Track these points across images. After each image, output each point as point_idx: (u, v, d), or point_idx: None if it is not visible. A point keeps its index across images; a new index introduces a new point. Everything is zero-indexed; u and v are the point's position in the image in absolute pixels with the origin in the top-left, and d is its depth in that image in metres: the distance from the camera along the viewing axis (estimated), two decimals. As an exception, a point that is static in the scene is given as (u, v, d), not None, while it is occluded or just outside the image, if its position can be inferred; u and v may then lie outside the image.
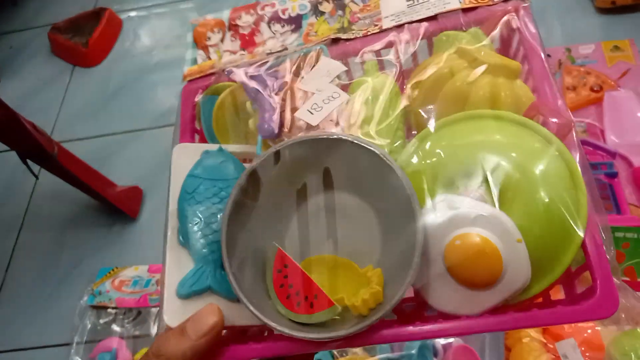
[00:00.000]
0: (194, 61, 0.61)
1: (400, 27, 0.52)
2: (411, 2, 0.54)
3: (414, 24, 0.52)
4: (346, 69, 0.50)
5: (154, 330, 0.92)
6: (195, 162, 0.48)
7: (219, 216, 0.45)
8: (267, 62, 0.53)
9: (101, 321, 0.95)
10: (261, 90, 0.49)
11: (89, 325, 0.95)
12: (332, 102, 0.47)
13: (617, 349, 0.72)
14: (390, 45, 0.52)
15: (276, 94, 0.50)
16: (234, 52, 0.60)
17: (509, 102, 0.44)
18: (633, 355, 0.70)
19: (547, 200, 0.38)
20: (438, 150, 0.43)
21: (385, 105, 0.48)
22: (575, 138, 0.42)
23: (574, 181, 0.39)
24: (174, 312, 0.42)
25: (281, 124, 0.48)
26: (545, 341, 0.76)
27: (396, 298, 0.37)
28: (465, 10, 0.51)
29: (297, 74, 0.54)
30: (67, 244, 1.12)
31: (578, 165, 0.39)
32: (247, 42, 0.61)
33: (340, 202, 0.47)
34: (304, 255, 0.45)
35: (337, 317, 0.40)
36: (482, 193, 0.39)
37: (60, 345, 0.97)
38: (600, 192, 0.88)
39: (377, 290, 0.38)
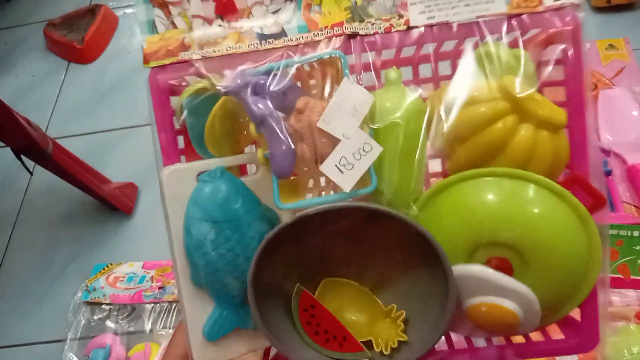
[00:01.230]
0: (151, 26, 0.47)
1: (432, 26, 0.43)
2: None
3: (450, 26, 0.43)
4: (373, 99, 0.41)
5: (148, 326, 0.92)
6: (192, 193, 0.42)
7: (237, 262, 0.42)
8: (264, 62, 0.43)
9: (95, 317, 0.94)
10: (269, 115, 0.40)
11: (83, 322, 0.94)
12: (365, 158, 0.40)
13: (611, 346, 0.72)
14: (419, 45, 0.45)
15: (286, 118, 0.41)
16: (207, 21, 0.46)
17: (546, 158, 0.42)
18: (626, 352, 0.70)
19: (565, 276, 0.41)
20: (463, 213, 0.41)
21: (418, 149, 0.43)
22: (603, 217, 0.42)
23: (593, 264, 0.41)
24: (205, 355, 0.44)
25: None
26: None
27: (425, 350, 0.41)
28: (510, 17, 0.43)
29: (307, 85, 0.46)
30: (61, 240, 1.11)
31: (601, 248, 0.41)
32: (226, 7, 0.46)
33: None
34: (323, 275, 0.45)
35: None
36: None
37: (54, 341, 0.96)
38: (594, 190, 0.88)
39: (405, 339, 0.42)
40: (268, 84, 0.41)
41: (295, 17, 0.45)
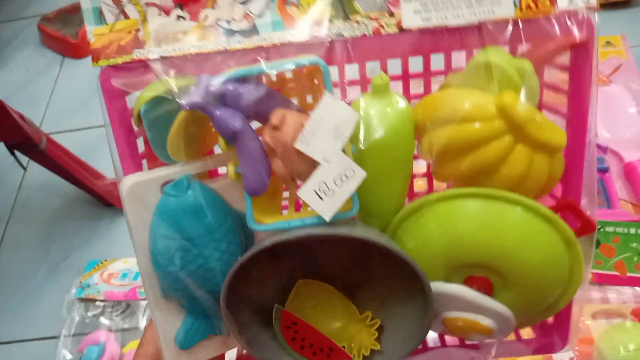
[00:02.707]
0: (98, 15, 0.39)
1: (427, 31, 0.38)
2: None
3: (447, 30, 0.38)
4: (358, 117, 0.37)
5: (142, 323, 0.91)
6: (157, 207, 0.39)
7: (208, 277, 0.40)
8: (234, 66, 0.38)
9: (89, 314, 0.94)
10: (240, 131, 0.36)
11: (77, 318, 0.94)
12: (347, 185, 0.35)
13: (607, 343, 0.72)
14: (413, 53, 0.40)
15: (261, 128, 0.38)
16: (164, 10, 0.39)
17: (540, 180, 0.39)
18: (622, 349, 0.70)
19: (545, 297, 0.41)
20: (444, 232, 0.39)
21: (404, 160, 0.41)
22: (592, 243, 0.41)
23: (572, 285, 0.41)
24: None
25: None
26: (534, 335, 0.76)
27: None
28: (517, 22, 0.38)
29: (285, 89, 0.43)
30: (55, 236, 1.10)
31: (583, 271, 0.40)
32: None
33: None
34: (299, 277, 0.43)
35: None
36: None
37: (48, 338, 0.96)
38: (591, 187, 0.88)
39: (377, 347, 0.42)
40: (239, 92, 0.36)
41: (268, 11, 0.39)
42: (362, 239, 0.36)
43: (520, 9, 0.37)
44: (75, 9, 1.45)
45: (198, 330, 0.43)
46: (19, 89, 1.39)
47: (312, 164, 0.36)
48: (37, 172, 1.05)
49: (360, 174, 0.36)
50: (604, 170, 0.89)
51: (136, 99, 0.39)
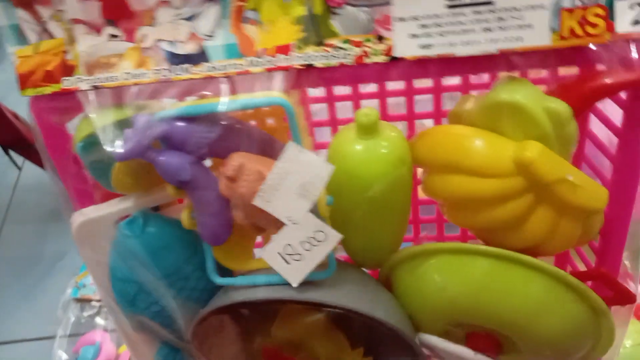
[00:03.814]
0: (18, 34, 0.33)
1: (426, 61, 0.29)
2: (455, 2, 0.28)
3: (455, 59, 0.29)
4: (330, 170, 0.30)
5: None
6: (113, 246, 0.35)
7: (177, 315, 0.36)
8: (180, 96, 0.32)
9: (85, 314, 0.93)
10: (189, 179, 0.31)
11: (73, 319, 0.93)
12: (317, 249, 0.30)
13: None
14: (403, 94, 0.36)
15: (217, 168, 0.33)
16: (94, 28, 0.32)
17: (568, 242, 0.33)
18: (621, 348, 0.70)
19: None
20: (456, 291, 0.33)
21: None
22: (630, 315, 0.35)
23: (599, 349, 0.35)
24: None
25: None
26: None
27: None
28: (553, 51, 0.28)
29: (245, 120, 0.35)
30: (50, 236, 1.10)
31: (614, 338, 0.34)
32: (116, 8, 0.31)
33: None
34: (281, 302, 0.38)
35: None
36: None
37: (44, 338, 0.95)
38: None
39: None
40: (187, 133, 0.30)
41: (221, 30, 0.31)
42: (336, 306, 0.32)
43: (561, 36, 0.27)
44: (70, 7, 1.44)
45: (175, 357, 0.40)
46: (14, 88, 1.38)
47: (278, 220, 0.31)
48: (32, 171, 1.04)
49: (333, 238, 0.30)
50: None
51: (74, 133, 0.35)
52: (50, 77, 0.33)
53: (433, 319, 0.35)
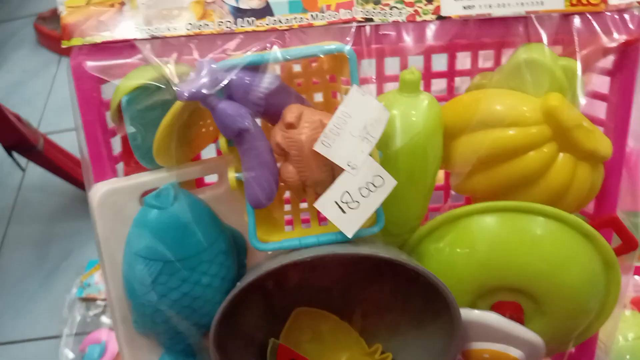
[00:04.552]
0: None
1: (467, 20, 0.34)
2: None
3: (490, 21, 0.34)
4: (389, 116, 0.32)
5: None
6: (136, 220, 0.33)
7: (194, 306, 0.33)
8: (242, 51, 0.32)
9: (90, 313, 0.94)
10: (247, 130, 0.30)
11: (79, 318, 0.94)
12: (374, 195, 0.30)
13: (605, 333, 0.72)
14: (448, 49, 0.37)
15: (269, 128, 0.33)
16: None
17: (582, 192, 0.36)
18: (621, 338, 0.70)
19: (578, 321, 0.37)
20: (475, 250, 0.35)
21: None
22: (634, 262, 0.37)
23: (605, 309, 0.37)
24: None
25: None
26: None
27: None
28: (566, 16, 0.35)
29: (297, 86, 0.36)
30: (55, 236, 1.10)
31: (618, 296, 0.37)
32: None
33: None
34: (297, 304, 0.38)
35: None
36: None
37: (50, 337, 0.96)
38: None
39: None
40: (247, 83, 0.30)
41: None
42: (390, 259, 0.31)
43: (571, 3, 0.34)
44: (71, 8, 1.44)
45: None
46: (16, 89, 1.39)
47: (332, 171, 0.31)
48: (36, 172, 1.05)
49: (390, 183, 0.31)
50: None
51: (115, 89, 0.33)
52: (102, 27, 0.32)
53: (461, 290, 0.35)
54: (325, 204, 0.30)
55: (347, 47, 0.31)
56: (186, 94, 0.29)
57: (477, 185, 0.36)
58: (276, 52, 0.30)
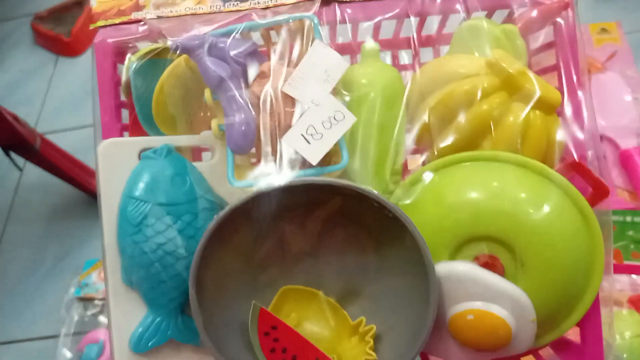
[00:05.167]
0: None
1: None
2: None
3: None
4: (349, 65, 0.37)
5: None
6: (133, 171, 0.36)
7: (177, 255, 0.35)
8: (224, 24, 0.39)
9: (88, 313, 0.94)
10: (227, 78, 0.35)
11: (76, 317, 0.94)
12: (336, 128, 0.34)
13: (604, 332, 0.72)
14: (401, 16, 0.41)
15: (247, 85, 0.37)
16: None
17: (540, 142, 0.38)
18: (618, 337, 0.70)
19: (563, 275, 0.35)
20: (447, 201, 0.36)
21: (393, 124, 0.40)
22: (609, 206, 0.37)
23: (594, 261, 0.36)
24: None
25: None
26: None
27: None
28: None
29: (272, 53, 0.40)
30: (53, 236, 1.10)
31: (603, 241, 0.36)
32: None
33: (331, 240, 0.39)
34: (281, 284, 0.39)
35: None
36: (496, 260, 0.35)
37: (48, 337, 0.96)
38: (587, 176, 0.88)
39: (373, 357, 0.36)
40: (228, 46, 0.36)
41: None
42: (347, 185, 0.33)
43: None
44: (68, 8, 1.44)
45: (157, 330, 0.37)
46: (13, 89, 1.38)
47: (299, 115, 0.36)
48: (33, 172, 1.05)
49: (349, 118, 0.35)
50: (599, 159, 0.89)
51: (125, 65, 0.41)
52: (121, 13, 0.42)
53: (439, 244, 0.35)
54: (292, 137, 0.34)
55: (310, 14, 0.38)
56: (179, 44, 0.36)
57: (442, 141, 0.39)
58: (255, 20, 0.38)
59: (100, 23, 0.41)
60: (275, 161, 0.38)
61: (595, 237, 0.36)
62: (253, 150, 0.43)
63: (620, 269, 0.80)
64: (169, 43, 0.37)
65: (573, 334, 0.39)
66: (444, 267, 0.35)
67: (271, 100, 0.35)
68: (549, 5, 0.40)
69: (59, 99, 1.34)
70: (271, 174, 0.35)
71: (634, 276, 0.79)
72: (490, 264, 0.35)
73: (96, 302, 0.95)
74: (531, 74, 0.37)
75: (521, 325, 0.34)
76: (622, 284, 0.79)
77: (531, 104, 0.37)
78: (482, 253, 0.35)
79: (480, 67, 0.38)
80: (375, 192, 0.33)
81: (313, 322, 0.38)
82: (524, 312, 0.34)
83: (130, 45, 0.41)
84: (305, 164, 0.35)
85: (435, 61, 0.42)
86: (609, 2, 1.11)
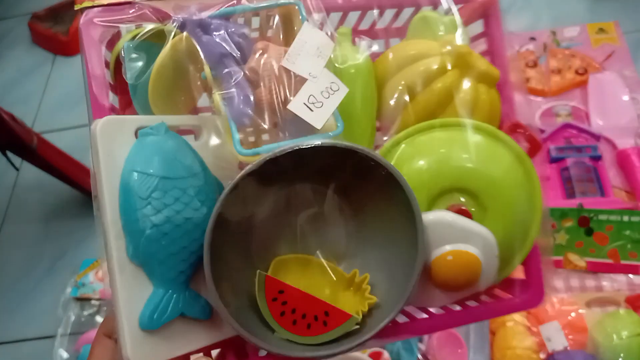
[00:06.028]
0: None
1: None
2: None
3: None
4: (333, 44, 0.42)
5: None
6: (133, 147, 0.36)
7: (185, 228, 0.36)
8: (216, 7, 0.41)
9: (85, 313, 0.94)
10: (227, 52, 0.39)
11: (73, 317, 0.94)
12: (333, 97, 0.39)
13: (600, 331, 0.72)
14: (369, 6, 0.47)
15: (244, 62, 0.40)
16: None
17: (486, 110, 0.45)
18: (615, 337, 0.70)
19: (515, 215, 0.43)
20: (421, 162, 0.43)
21: (368, 97, 0.46)
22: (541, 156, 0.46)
23: (534, 201, 0.44)
24: (139, 346, 0.35)
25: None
26: (529, 324, 0.76)
27: (397, 309, 0.37)
28: None
29: (265, 34, 0.45)
30: (50, 235, 1.10)
31: (541, 189, 0.44)
32: None
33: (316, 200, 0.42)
34: (274, 254, 0.41)
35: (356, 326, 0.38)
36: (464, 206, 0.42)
37: (45, 337, 0.96)
38: (584, 175, 0.88)
39: (375, 301, 0.39)
40: (224, 24, 0.39)
41: None
42: (351, 146, 0.36)
43: None
44: (66, 7, 1.44)
45: (168, 304, 0.36)
46: (11, 88, 1.38)
47: (295, 89, 0.39)
48: (30, 172, 1.04)
49: (344, 88, 0.40)
50: (597, 158, 0.89)
51: (113, 50, 0.41)
52: None
53: (419, 197, 0.40)
54: (296, 105, 0.38)
55: (297, 2, 0.42)
56: (181, 19, 0.38)
57: (409, 117, 0.45)
58: (245, 4, 0.41)
59: (86, 4, 0.39)
60: (278, 132, 0.42)
61: (534, 182, 0.44)
62: (250, 129, 0.49)
63: (617, 269, 0.80)
64: (173, 18, 0.38)
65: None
66: (425, 217, 0.40)
67: (268, 75, 0.39)
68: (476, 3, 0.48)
69: (56, 98, 1.34)
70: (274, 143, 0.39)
71: (631, 276, 0.79)
72: (462, 211, 0.41)
73: (93, 302, 0.95)
74: (476, 54, 0.45)
75: (488, 260, 0.41)
76: (619, 283, 0.79)
77: (477, 80, 0.45)
78: (454, 203, 0.42)
79: (433, 49, 0.45)
80: (371, 150, 0.37)
81: (310, 286, 0.40)
82: (491, 248, 0.41)
83: (119, 27, 0.40)
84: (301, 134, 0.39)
85: (397, 45, 0.49)
86: (606, 2, 1.11)
